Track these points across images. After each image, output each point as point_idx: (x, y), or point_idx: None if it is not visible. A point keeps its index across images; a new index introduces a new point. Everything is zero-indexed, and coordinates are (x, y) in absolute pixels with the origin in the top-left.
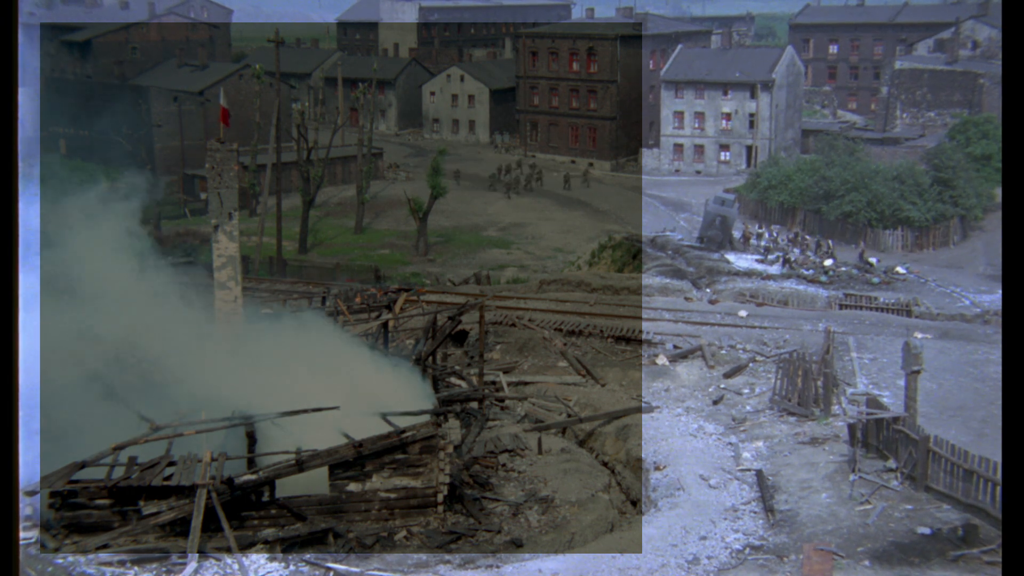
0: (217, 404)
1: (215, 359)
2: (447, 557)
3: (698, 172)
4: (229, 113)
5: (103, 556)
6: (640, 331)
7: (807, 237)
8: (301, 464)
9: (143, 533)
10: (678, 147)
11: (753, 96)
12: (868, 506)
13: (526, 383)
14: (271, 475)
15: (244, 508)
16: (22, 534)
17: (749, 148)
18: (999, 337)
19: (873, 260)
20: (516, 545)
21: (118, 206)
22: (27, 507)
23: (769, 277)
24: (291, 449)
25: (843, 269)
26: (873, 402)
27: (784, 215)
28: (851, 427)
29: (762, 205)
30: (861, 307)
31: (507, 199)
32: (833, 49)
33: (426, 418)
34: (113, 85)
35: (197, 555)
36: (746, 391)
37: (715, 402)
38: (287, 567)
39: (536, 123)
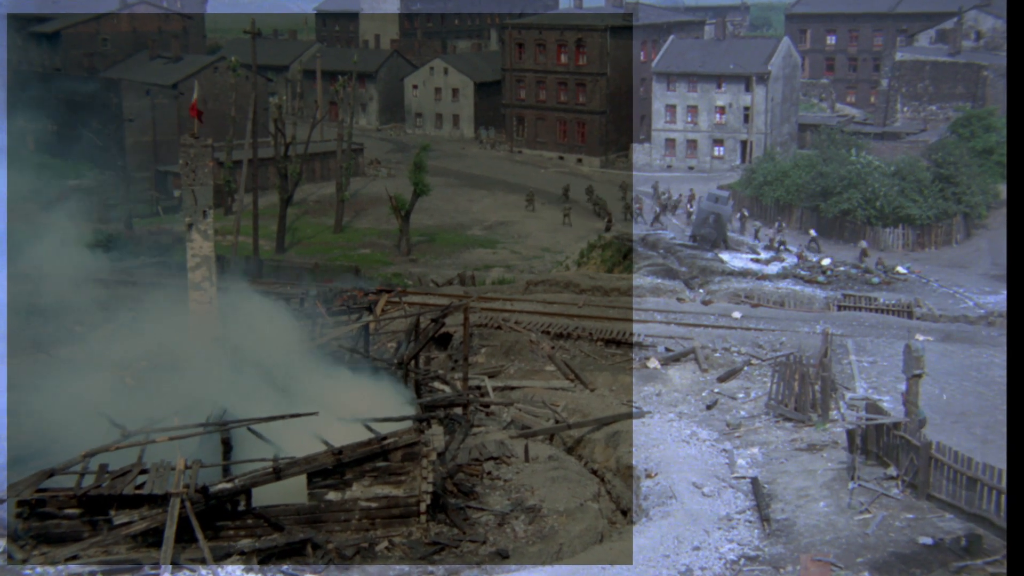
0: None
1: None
2: (430, 569)
3: (691, 168)
4: (200, 110)
5: (73, 568)
6: (631, 333)
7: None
8: (279, 472)
9: (114, 544)
10: (670, 142)
11: (748, 89)
12: (868, 515)
13: (512, 388)
14: (247, 483)
15: (219, 518)
16: None
17: (744, 143)
18: (1004, 340)
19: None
20: (502, 556)
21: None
22: None
23: (765, 277)
24: (268, 456)
25: (842, 269)
26: (873, 407)
27: (780, 212)
28: (850, 433)
29: (757, 202)
30: (860, 308)
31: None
32: (831, 40)
33: (408, 424)
34: (83, 78)
35: (170, 567)
36: (741, 395)
37: (709, 407)
38: None
39: (523, 118)
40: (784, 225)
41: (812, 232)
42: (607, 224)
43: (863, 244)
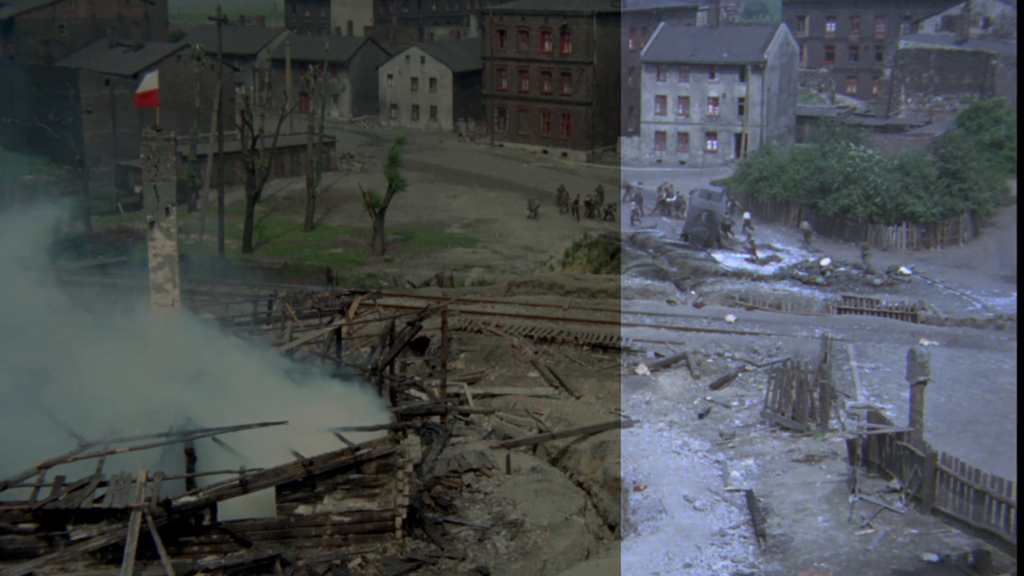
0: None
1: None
2: None
3: (682, 162)
4: (146, 93)
5: None
6: (618, 338)
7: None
8: (246, 484)
9: (71, 560)
10: (660, 135)
11: (743, 79)
12: (869, 530)
13: (493, 395)
14: (212, 497)
15: (183, 533)
16: None
17: (738, 136)
18: (1014, 344)
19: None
20: (482, 574)
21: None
22: None
23: (760, 278)
24: (235, 468)
25: (842, 269)
26: (875, 416)
27: (777, 210)
28: (851, 443)
29: (752, 198)
30: (862, 311)
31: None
32: (831, 27)
33: (383, 434)
34: (38, 67)
35: None
36: (735, 404)
37: (701, 416)
38: None
39: (504, 109)
40: (733, 204)
41: (747, 215)
42: (574, 213)
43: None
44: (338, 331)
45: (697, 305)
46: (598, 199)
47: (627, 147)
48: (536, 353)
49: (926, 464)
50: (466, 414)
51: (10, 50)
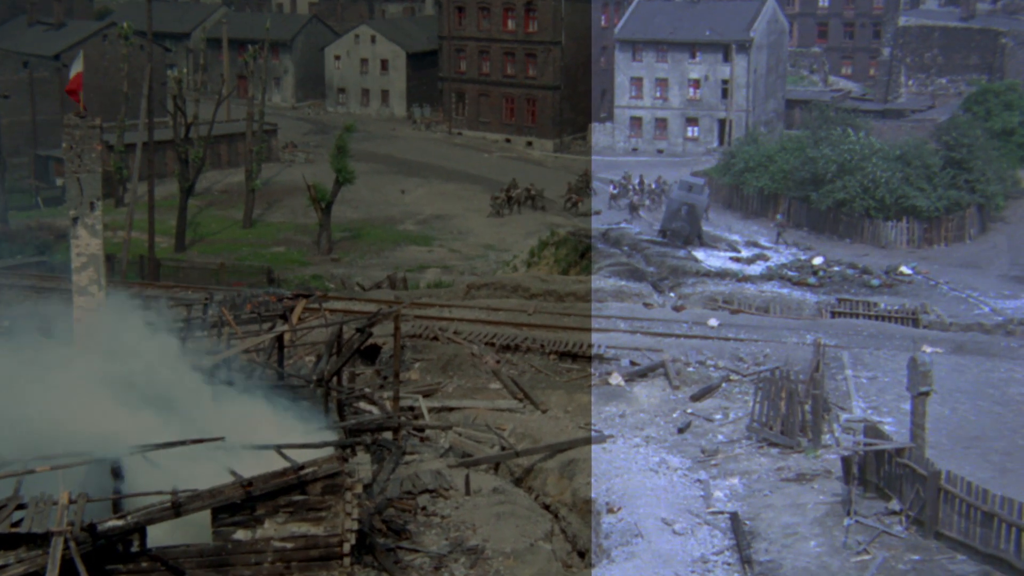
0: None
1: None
2: None
3: (660, 151)
4: (81, 81)
5: None
6: (589, 345)
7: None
8: (178, 507)
9: None
10: (636, 121)
11: (727, 59)
12: (866, 556)
13: (451, 409)
14: (142, 520)
15: (109, 560)
16: None
17: (722, 122)
18: None
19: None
20: None
21: None
22: None
23: (746, 279)
24: (166, 489)
25: (836, 269)
26: (872, 430)
27: (764, 203)
28: (846, 461)
29: (737, 191)
30: (858, 315)
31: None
32: (824, 2)
33: (330, 451)
34: None
35: None
36: (718, 417)
37: (680, 430)
38: None
39: (463, 94)
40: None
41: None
42: (534, 202)
43: (778, 218)
44: (280, 338)
45: (676, 308)
46: (540, 191)
47: (599, 135)
48: (498, 362)
49: (929, 483)
50: (421, 429)
51: None
